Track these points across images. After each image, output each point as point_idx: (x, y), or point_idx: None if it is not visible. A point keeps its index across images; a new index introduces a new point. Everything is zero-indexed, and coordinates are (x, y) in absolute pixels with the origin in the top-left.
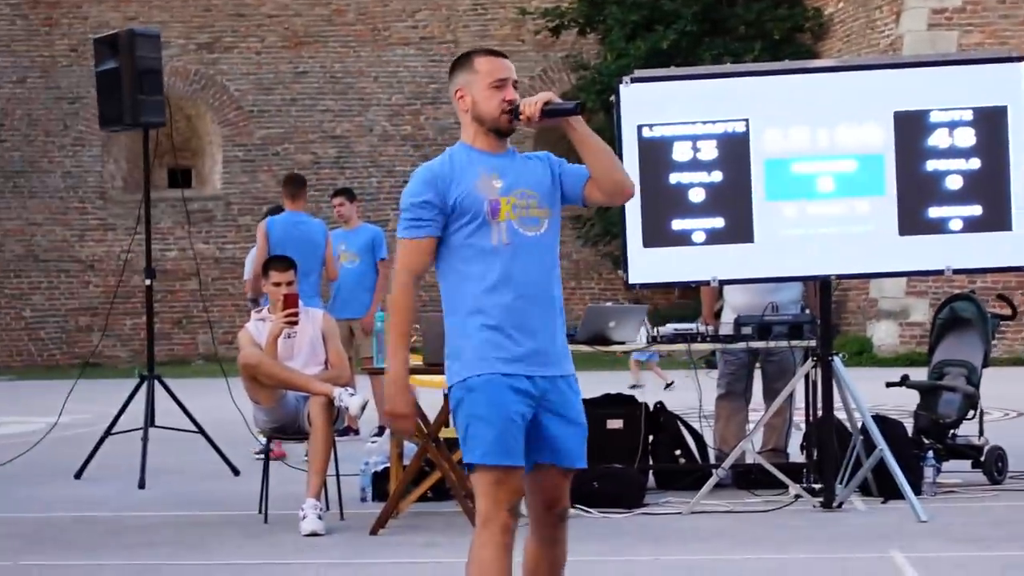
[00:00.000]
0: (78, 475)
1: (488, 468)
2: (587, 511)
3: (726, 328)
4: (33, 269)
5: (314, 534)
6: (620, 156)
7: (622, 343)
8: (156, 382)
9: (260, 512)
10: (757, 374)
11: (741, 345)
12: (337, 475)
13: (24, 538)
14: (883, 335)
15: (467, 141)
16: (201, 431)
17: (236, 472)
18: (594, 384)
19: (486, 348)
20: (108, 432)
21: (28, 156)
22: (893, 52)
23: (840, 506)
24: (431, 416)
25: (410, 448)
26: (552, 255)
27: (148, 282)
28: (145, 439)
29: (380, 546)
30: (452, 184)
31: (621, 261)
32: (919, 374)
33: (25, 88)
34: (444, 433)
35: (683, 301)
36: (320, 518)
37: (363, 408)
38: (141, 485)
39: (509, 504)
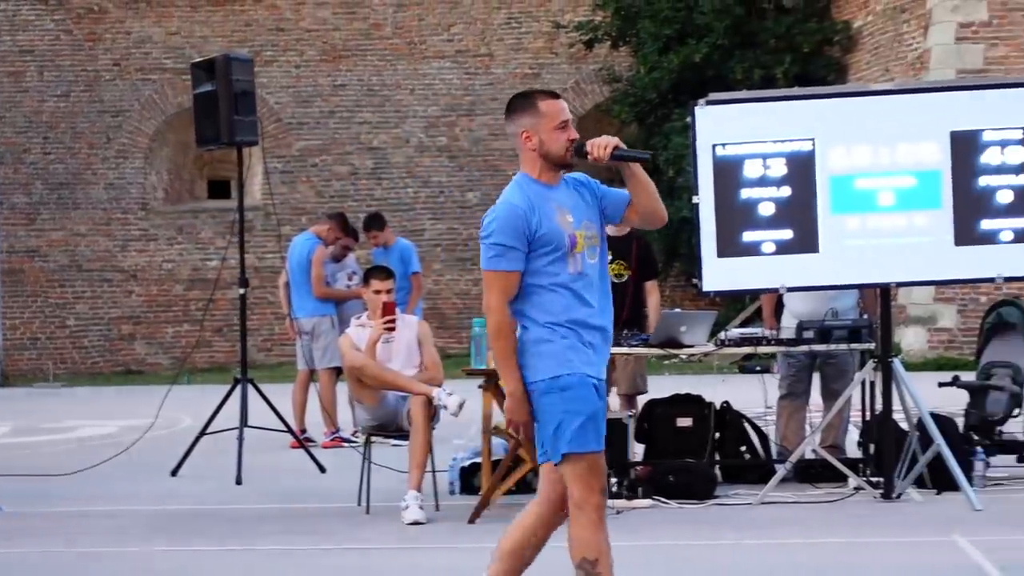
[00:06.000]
0: (174, 472)
1: (581, 455)
2: (665, 502)
3: (788, 332)
4: (77, 279)
5: (416, 523)
6: (695, 173)
7: (691, 346)
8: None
9: (359, 504)
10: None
11: (804, 348)
12: (433, 470)
13: (145, 528)
14: (912, 340)
15: (532, 175)
16: (290, 431)
17: (323, 469)
18: (666, 385)
19: (569, 352)
20: (203, 432)
21: (72, 168)
22: (921, 65)
23: (899, 497)
24: None
25: (497, 445)
26: (607, 277)
27: (242, 291)
28: (241, 438)
29: (480, 533)
30: (534, 217)
31: (696, 270)
32: (947, 379)
33: (69, 102)
34: None
35: (712, 309)
36: (421, 508)
37: (461, 406)
38: (238, 481)
39: (600, 485)
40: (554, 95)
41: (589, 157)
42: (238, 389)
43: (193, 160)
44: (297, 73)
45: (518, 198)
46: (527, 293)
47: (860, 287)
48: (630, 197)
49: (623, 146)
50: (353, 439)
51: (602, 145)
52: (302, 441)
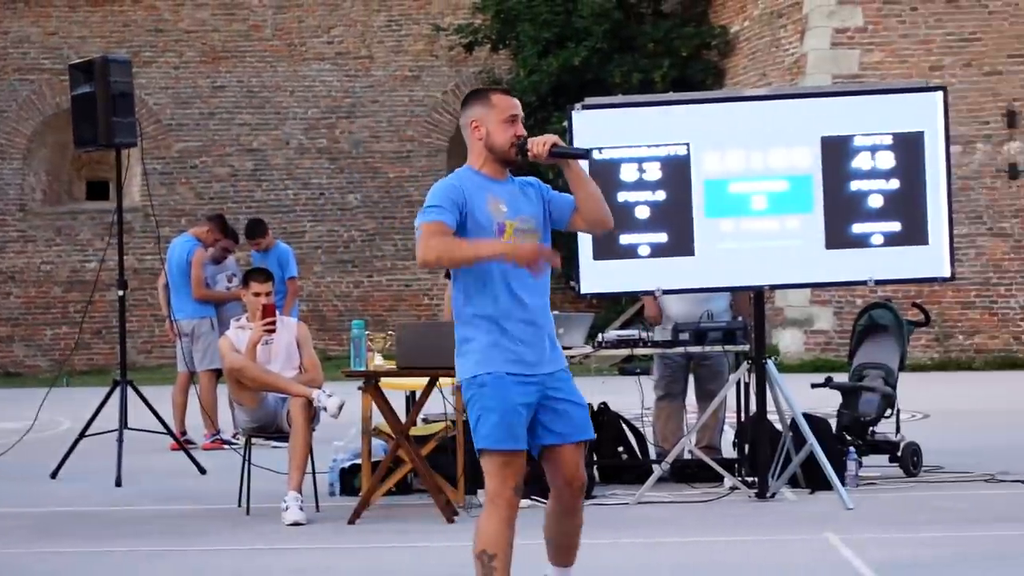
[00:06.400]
0: (54, 475)
1: (496, 452)
2: (542, 501)
3: (664, 334)
4: None
5: (296, 524)
6: None
7: (569, 348)
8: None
9: (239, 506)
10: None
11: (680, 350)
12: (314, 472)
13: (27, 529)
14: (788, 342)
15: (475, 166)
16: (170, 433)
17: (203, 471)
18: None
19: (492, 351)
20: (83, 434)
21: None
22: (797, 70)
23: (773, 496)
24: (401, 416)
25: (377, 446)
26: (545, 275)
27: (121, 293)
28: (120, 440)
29: (359, 533)
30: (465, 198)
31: (573, 273)
32: (821, 380)
33: None
34: (413, 431)
35: (589, 312)
36: (302, 509)
37: (340, 408)
38: (118, 483)
39: (515, 482)
40: (507, 92)
41: (530, 155)
42: (118, 391)
43: (71, 161)
44: (176, 74)
45: (454, 179)
46: (460, 280)
47: (734, 290)
48: (575, 204)
49: (562, 143)
50: (233, 441)
51: (541, 142)
52: (182, 443)
